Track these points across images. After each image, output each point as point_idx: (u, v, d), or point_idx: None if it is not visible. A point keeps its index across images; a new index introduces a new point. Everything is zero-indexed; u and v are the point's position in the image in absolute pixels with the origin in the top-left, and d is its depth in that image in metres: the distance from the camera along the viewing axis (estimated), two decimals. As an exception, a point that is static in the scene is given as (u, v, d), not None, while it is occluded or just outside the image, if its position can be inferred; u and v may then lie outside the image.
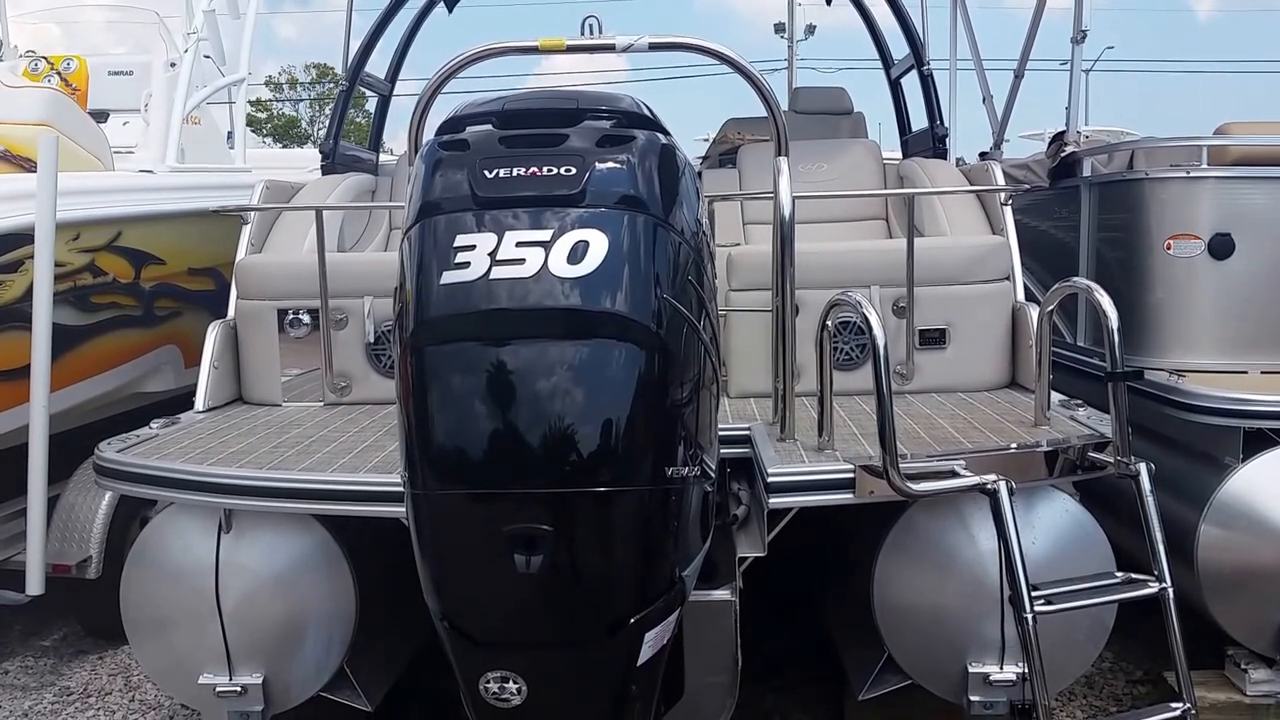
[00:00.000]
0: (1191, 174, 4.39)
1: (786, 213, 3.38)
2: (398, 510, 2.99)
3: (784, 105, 6.69)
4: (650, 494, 2.30)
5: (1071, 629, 3.24)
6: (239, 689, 3.37)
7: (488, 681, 2.37)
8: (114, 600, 3.55)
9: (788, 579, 3.97)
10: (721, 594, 3.16)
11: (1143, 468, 3.18)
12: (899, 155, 6.31)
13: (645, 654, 2.41)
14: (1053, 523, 3.38)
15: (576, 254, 2.22)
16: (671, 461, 2.34)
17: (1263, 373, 4.21)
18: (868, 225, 5.58)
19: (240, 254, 4.63)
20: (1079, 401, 3.80)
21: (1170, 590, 3.04)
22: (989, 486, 3.05)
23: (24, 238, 4.40)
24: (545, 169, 2.30)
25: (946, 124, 5.72)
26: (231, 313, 4.46)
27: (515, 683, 2.36)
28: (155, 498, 3.46)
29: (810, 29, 31.83)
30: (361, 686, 3.53)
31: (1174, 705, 3.11)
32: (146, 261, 5.32)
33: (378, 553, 3.40)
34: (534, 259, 2.22)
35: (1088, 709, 4.23)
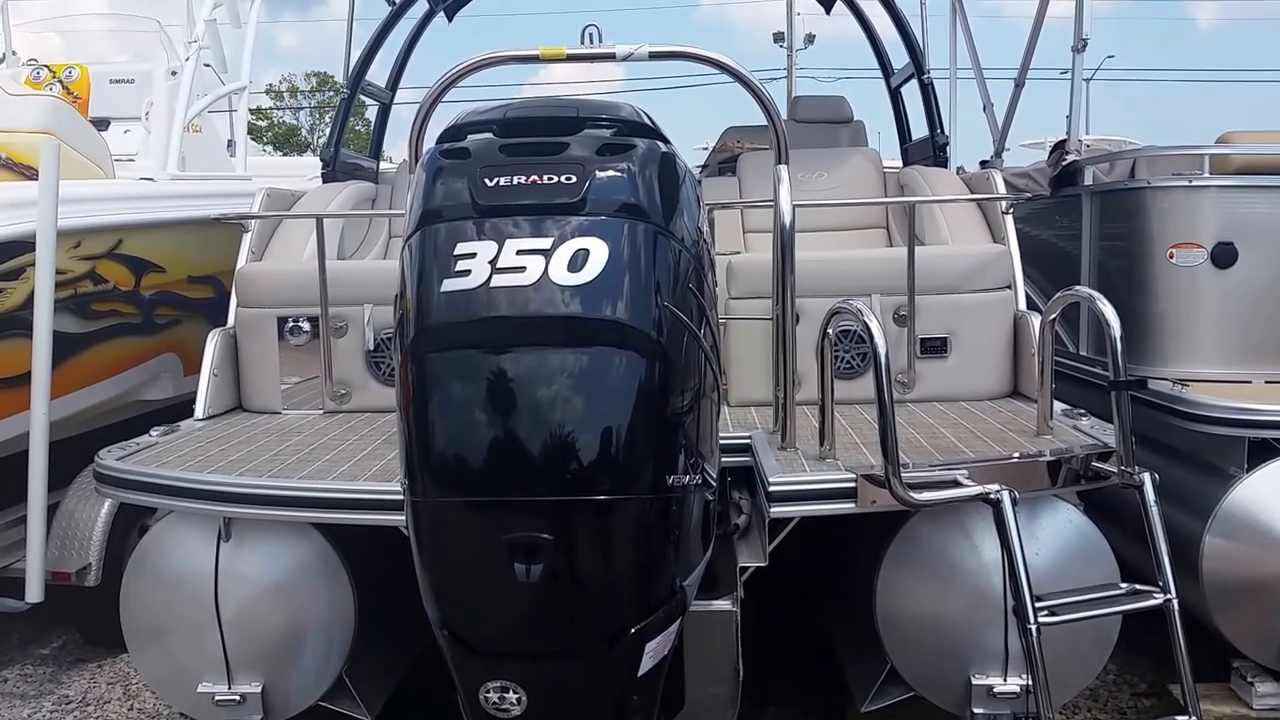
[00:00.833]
0: (1194, 182, 4.38)
1: (787, 221, 3.37)
2: (397, 518, 2.98)
3: (784, 114, 6.71)
4: (651, 503, 2.29)
5: (1076, 641, 3.22)
6: (238, 698, 3.36)
7: (488, 691, 2.36)
8: (113, 608, 3.54)
9: (789, 589, 3.95)
10: (723, 604, 3.15)
11: (1146, 478, 3.16)
12: (899, 164, 6.31)
13: (646, 664, 2.39)
14: (1056, 533, 3.36)
15: (577, 262, 2.21)
16: (672, 470, 2.32)
17: (1267, 382, 4.19)
18: (868, 234, 5.58)
19: (241, 262, 4.63)
20: (1082, 411, 3.79)
21: (1175, 602, 3.02)
22: (992, 496, 3.04)
23: (25, 245, 4.39)
24: (545, 177, 2.29)
25: (947, 132, 5.72)
26: (231, 320, 4.45)
27: (515, 693, 2.35)
28: (155, 506, 3.45)
29: (809, 38, 31.87)
30: (360, 696, 3.51)
31: (1179, 719, 3.09)
32: (147, 269, 5.32)
33: (377, 561, 3.39)
34: (534, 267, 2.21)
35: (1091, 721, 4.22)
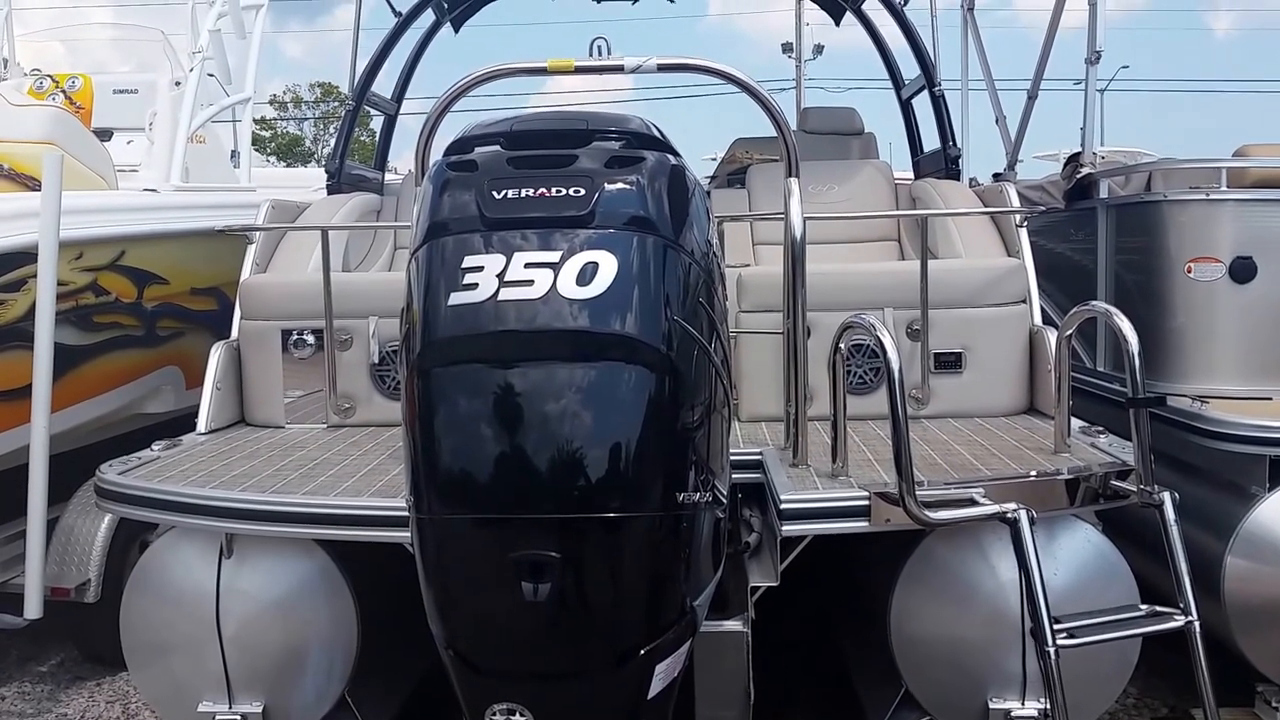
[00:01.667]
0: (1211, 196, 4.36)
1: (798, 234, 3.36)
2: (402, 535, 2.96)
3: (793, 125, 6.70)
4: (661, 520, 2.27)
5: (1095, 663, 3.19)
6: (239, 717, 3.34)
7: (494, 713, 2.34)
8: (113, 625, 3.53)
9: (801, 609, 3.92)
10: (733, 625, 3.13)
11: (1166, 497, 3.14)
12: (910, 176, 6.30)
13: (656, 686, 2.37)
14: (1074, 553, 3.33)
15: (585, 275, 2.20)
16: (682, 487, 2.31)
17: (1288, 399, 4.17)
18: (879, 247, 5.56)
19: (245, 274, 4.63)
20: (1100, 428, 3.76)
21: (1197, 624, 2.99)
22: (1009, 515, 3.01)
23: (27, 256, 4.39)
24: (554, 190, 2.28)
25: (959, 144, 5.70)
26: (235, 333, 4.45)
27: (522, 715, 2.33)
28: (157, 521, 3.44)
29: (818, 49, 31.74)
30: (364, 716, 3.49)
31: (1200, 743, 3.06)
32: (149, 281, 5.32)
33: (380, 578, 3.37)
34: (543, 280, 2.20)
35: (1110, 745, 4.18)
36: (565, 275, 2.20)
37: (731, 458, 2.72)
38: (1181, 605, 3.03)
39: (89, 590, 4.71)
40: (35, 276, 4.30)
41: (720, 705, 3.08)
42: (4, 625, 4.73)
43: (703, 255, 2.43)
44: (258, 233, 4.70)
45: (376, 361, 4.24)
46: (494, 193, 2.29)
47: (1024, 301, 4.32)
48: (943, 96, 5.74)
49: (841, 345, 3.29)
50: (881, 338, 3.01)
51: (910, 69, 6.23)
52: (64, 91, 6.85)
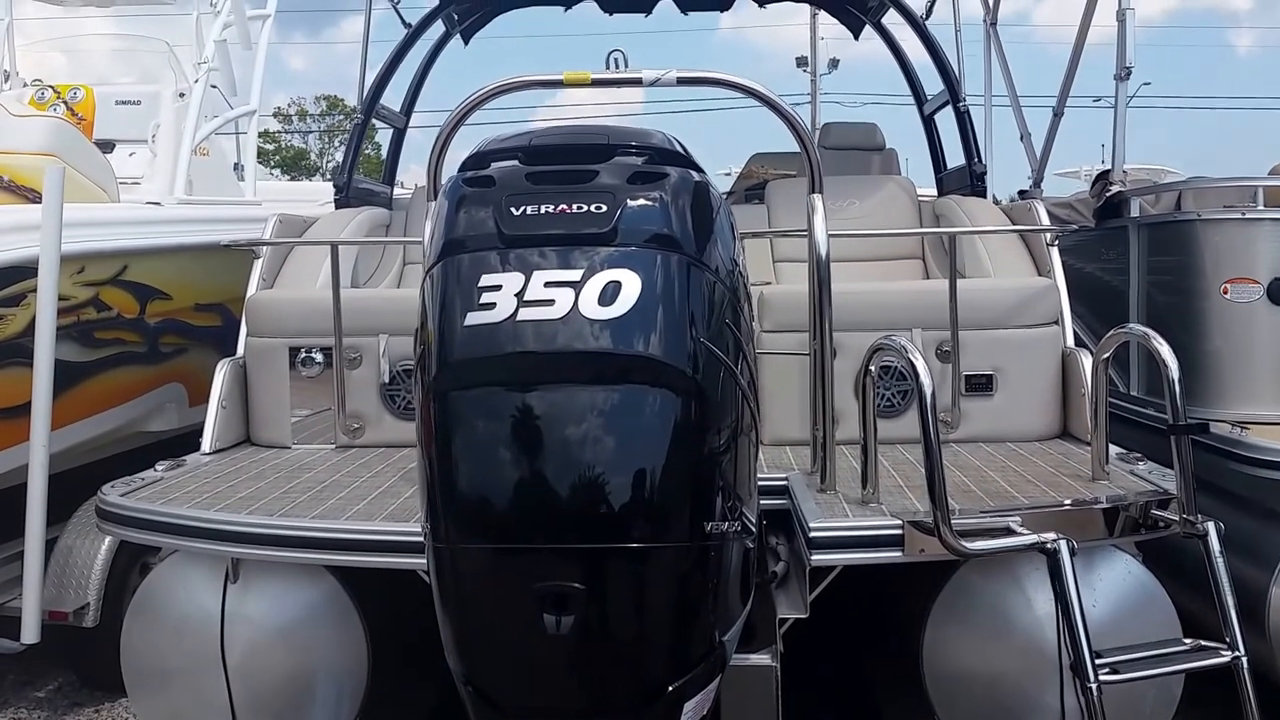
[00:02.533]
0: (1248, 215, 4.31)
1: (823, 252, 3.31)
2: (415, 562, 2.92)
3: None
4: (688, 551, 2.22)
5: (1137, 700, 3.12)
6: None
7: (513, 751, 2.28)
8: (112, 650, 3.48)
9: (828, 641, 3.85)
10: (761, 658, 3.06)
11: (1211, 527, 3.07)
12: (932, 193, 6.26)
13: (683, 725, 2.31)
14: (1114, 584, 3.27)
15: (607, 295, 2.16)
16: (710, 516, 2.25)
17: (1331, 425, 4.10)
18: (902, 265, 5.52)
19: (251, 289, 4.59)
20: (1138, 455, 3.70)
21: (1244, 659, 2.92)
22: (1049, 546, 2.95)
23: (27, 271, 4.36)
24: (574, 206, 2.24)
25: (985, 161, 5.65)
26: (241, 350, 4.41)
27: (542, 753, 2.27)
28: (161, 545, 3.39)
29: (833, 63, 31.98)
30: (373, 750, 3.43)
31: (1248, 783, 2.98)
32: (152, 296, 5.29)
33: (392, 605, 3.32)
34: (563, 300, 2.15)
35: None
36: (587, 295, 2.15)
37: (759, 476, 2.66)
38: (1228, 639, 2.95)
39: (88, 614, 4.65)
40: (35, 291, 4.27)
41: (748, 743, 3.02)
42: (0, 650, 4.68)
43: (728, 273, 2.38)
44: (264, 248, 4.67)
45: (387, 381, 4.20)
46: (512, 209, 2.25)
47: (1056, 323, 4.26)
48: (967, 112, 5.69)
49: (871, 367, 3.23)
50: (914, 360, 2.96)
51: (932, 84, 6.20)
52: (65, 102, 6.85)
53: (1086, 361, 4.12)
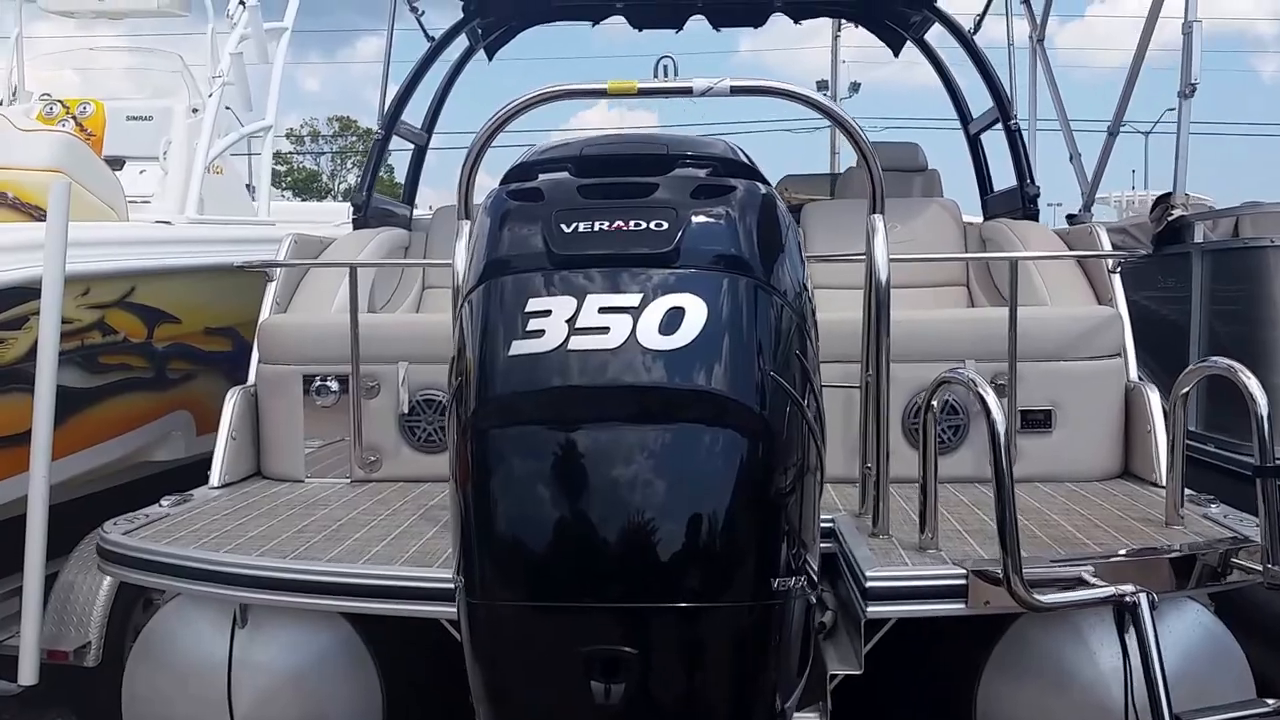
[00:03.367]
0: (1322, 242, 4.12)
1: (883, 277, 3.14)
2: (438, 611, 2.75)
3: (843, 164, 6.50)
4: (752, 610, 2.03)
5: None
6: None
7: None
8: (113, 692, 3.33)
9: (874, 695, 3.64)
10: (808, 717, 2.86)
11: (1300, 577, 2.87)
12: (976, 218, 6.06)
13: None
14: (1183, 636, 3.07)
15: (669, 322, 1.97)
16: (775, 571, 2.06)
17: None
18: (946, 292, 5.32)
19: (264, 314, 4.42)
20: (1209, 496, 3.50)
21: (1338, 727, 2.71)
22: (1128, 599, 2.75)
23: (29, 292, 4.20)
24: (632, 223, 2.06)
25: (1038, 183, 5.46)
26: (252, 378, 4.23)
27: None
28: (164, 588, 3.20)
29: (854, 87, 31.95)
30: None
31: None
32: (160, 319, 5.13)
33: (409, 652, 3.14)
34: (620, 328, 1.97)
35: None
36: (646, 322, 1.97)
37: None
38: (1314, 700, 2.75)
39: (89, 653, 4.46)
40: (38, 314, 4.11)
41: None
42: (-3, 690, 4.50)
43: (795, 297, 2.20)
44: (278, 270, 4.49)
45: (406, 411, 4.01)
46: (563, 225, 2.07)
47: (1119, 355, 4.06)
48: (1019, 130, 5.50)
49: (934, 402, 3.04)
50: (984, 395, 2.76)
51: (973, 103, 6.03)
52: (74, 117, 6.74)
53: (1153, 396, 3.93)
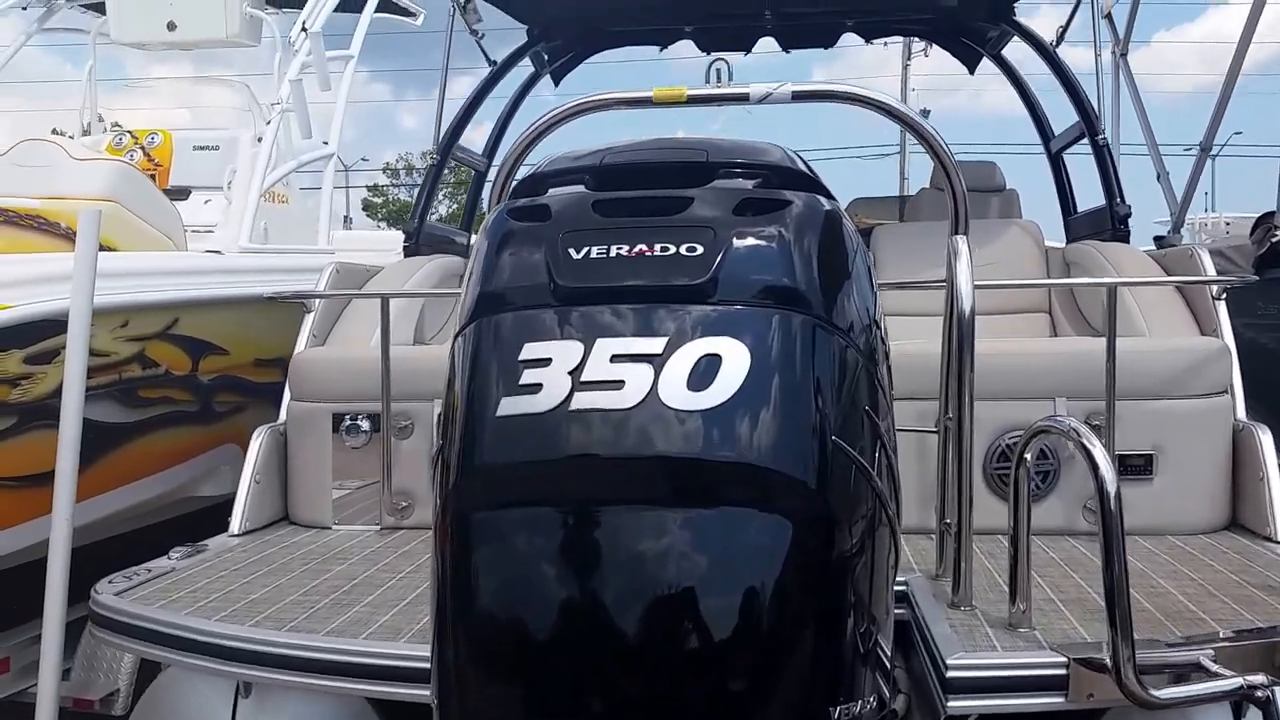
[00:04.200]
0: None
1: (966, 306, 2.58)
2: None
3: (914, 186, 5.92)
4: None
5: None
6: None
7: None
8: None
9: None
10: None
11: None
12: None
13: None
14: None
15: (701, 373, 1.44)
16: (836, 694, 1.50)
17: None
18: (1027, 320, 4.70)
19: (299, 347, 3.97)
20: None
21: None
22: (1259, 694, 2.14)
23: (61, 324, 3.80)
24: (658, 247, 1.53)
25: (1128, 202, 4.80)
26: (282, 415, 3.78)
27: None
28: (155, 658, 2.74)
29: (924, 113, 31.00)
30: None
31: None
32: (206, 351, 4.72)
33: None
34: (637, 381, 1.44)
35: None
36: (671, 373, 1.44)
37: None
38: None
39: (117, 701, 4.05)
40: (71, 346, 3.72)
41: None
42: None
43: (863, 335, 1.64)
44: (316, 301, 4.04)
45: None
46: (571, 250, 1.55)
47: (1226, 392, 3.42)
48: (1107, 146, 4.86)
49: (1027, 455, 2.46)
50: (1090, 446, 2.17)
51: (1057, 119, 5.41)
52: (143, 148, 6.42)
53: (1265, 439, 3.29)
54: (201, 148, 6.47)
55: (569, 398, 1.44)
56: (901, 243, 4.91)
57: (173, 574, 3.03)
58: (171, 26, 6.13)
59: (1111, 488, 2.13)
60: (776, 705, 1.42)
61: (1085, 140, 4.97)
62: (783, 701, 1.43)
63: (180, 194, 6.23)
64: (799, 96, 2.52)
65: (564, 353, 1.47)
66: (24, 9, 6.27)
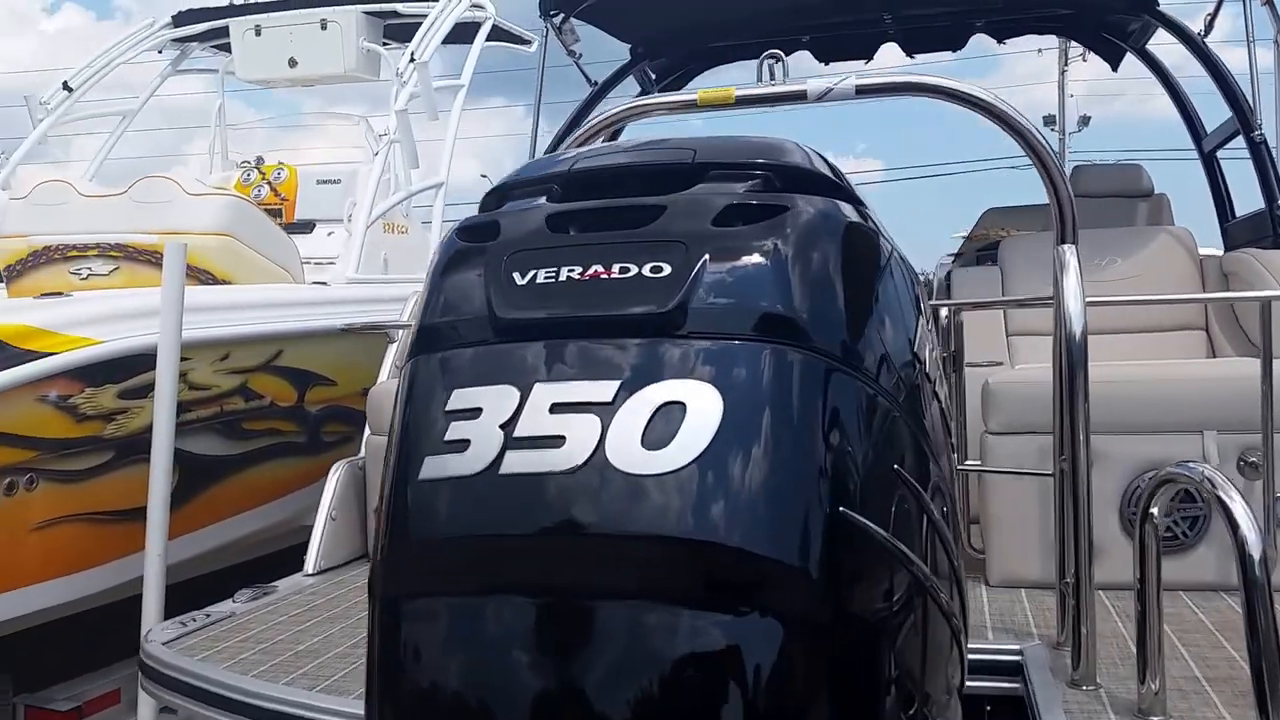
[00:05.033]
0: None
1: (1076, 327, 2.16)
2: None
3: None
4: None
5: None
6: None
7: None
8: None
9: None
10: None
11: None
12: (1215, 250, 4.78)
13: None
14: None
15: (661, 427, 1.10)
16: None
17: None
18: (1179, 339, 4.11)
19: (381, 377, 3.79)
20: None
21: None
22: None
23: (155, 359, 3.73)
24: (616, 268, 1.20)
25: (1288, 204, 4.16)
26: (362, 450, 3.60)
27: None
28: (191, 712, 2.55)
29: (1084, 120, 29.25)
30: None
31: None
32: (313, 382, 4.62)
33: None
34: (581, 436, 1.11)
35: None
36: (623, 426, 1.11)
37: (975, 657, 1.54)
38: None
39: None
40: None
41: None
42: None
43: (897, 372, 1.26)
44: (400, 331, 3.86)
45: None
46: (516, 274, 1.23)
47: None
48: (1264, 142, 4.23)
49: (1154, 509, 2.00)
50: (1227, 500, 1.73)
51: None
52: (269, 183, 6.46)
53: None
54: (324, 181, 6.47)
55: (499, 458, 1.13)
56: (1031, 253, 4.40)
57: (230, 619, 2.85)
58: (292, 63, 6.14)
59: (1255, 550, 1.68)
60: None
61: (1241, 138, 4.35)
62: None
63: (305, 227, 6.23)
64: (864, 91, 2.16)
65: (496, 401, 1.16)
66: (159, 52, 6.40)
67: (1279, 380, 2.69)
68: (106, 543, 3.85)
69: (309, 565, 3.33)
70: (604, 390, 1.13)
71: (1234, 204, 4.78)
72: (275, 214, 6.00)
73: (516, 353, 1.19)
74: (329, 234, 6.23)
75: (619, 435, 1.10)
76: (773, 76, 2.18)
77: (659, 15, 5.18)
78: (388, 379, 3.79)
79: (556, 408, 1.13)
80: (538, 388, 1.15)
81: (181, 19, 6.47)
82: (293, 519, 4.68)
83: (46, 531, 3.63)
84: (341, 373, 4.74)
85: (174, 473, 3.69)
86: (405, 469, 1.20)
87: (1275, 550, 2.74)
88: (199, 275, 4.54)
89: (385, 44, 6.35)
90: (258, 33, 6.28)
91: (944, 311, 3.24)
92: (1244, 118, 4.30)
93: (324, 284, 5.10)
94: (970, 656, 2.09)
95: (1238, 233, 4.58)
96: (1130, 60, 5.32)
